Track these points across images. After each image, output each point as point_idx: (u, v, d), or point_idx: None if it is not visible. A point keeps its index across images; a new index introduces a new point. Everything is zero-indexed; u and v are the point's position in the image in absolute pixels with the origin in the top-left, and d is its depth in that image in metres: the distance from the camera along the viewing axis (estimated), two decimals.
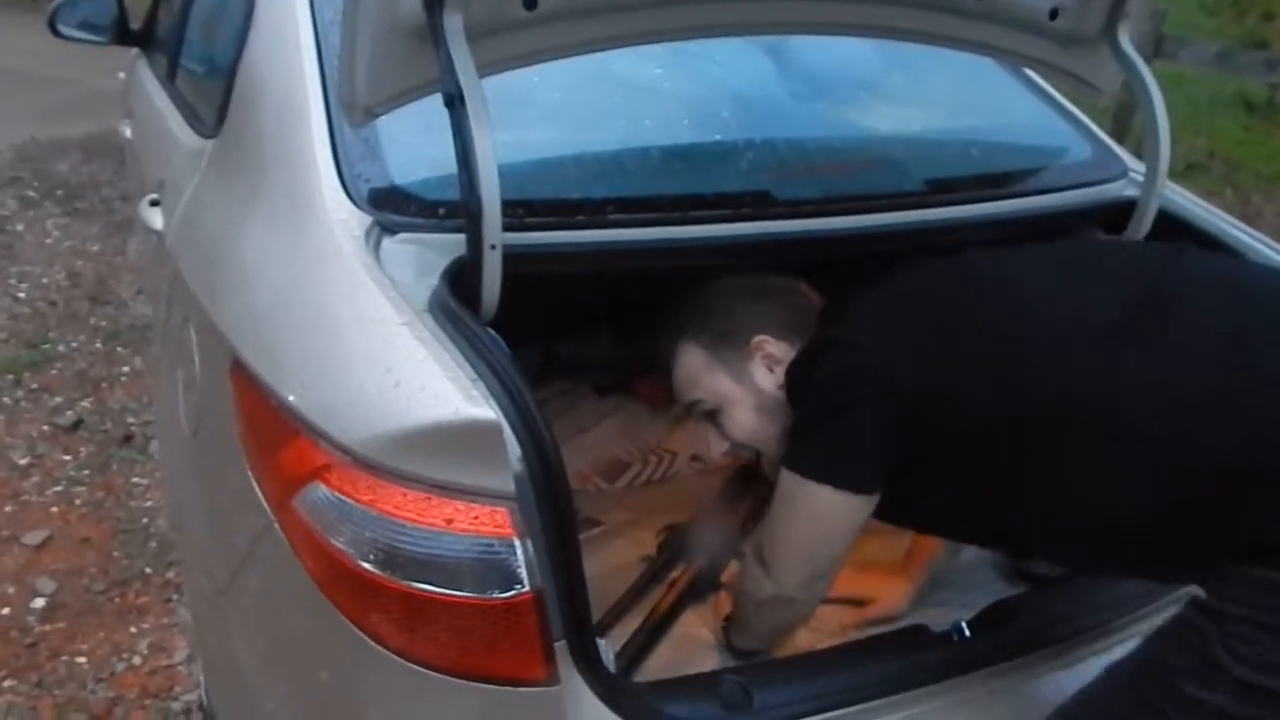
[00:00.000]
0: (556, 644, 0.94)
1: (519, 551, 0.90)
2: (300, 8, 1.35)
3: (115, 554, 2.26)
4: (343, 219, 1.11)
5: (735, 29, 1.33)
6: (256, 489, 1.05)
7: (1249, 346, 0.99)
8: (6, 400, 2.81)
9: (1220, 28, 7.34)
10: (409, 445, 0.89)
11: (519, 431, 0.93)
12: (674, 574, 1.53)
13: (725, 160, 1.38)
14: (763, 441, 1.27)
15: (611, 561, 1.57)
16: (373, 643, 0.95)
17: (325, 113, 1.22)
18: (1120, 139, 1.77)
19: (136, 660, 1.98)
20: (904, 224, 1.35)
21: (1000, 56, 1.52)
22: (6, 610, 2.08)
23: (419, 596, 0.91)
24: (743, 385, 1.25)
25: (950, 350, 1.08)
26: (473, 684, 0.95)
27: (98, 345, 3.12)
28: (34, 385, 2.88)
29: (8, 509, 2.38)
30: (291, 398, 0.98)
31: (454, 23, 1.03)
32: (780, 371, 1.22)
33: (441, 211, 1.15)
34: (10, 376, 2.90)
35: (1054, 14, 1.38)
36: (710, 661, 1.34)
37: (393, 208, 1.15)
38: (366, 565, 0.91)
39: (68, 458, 2.57)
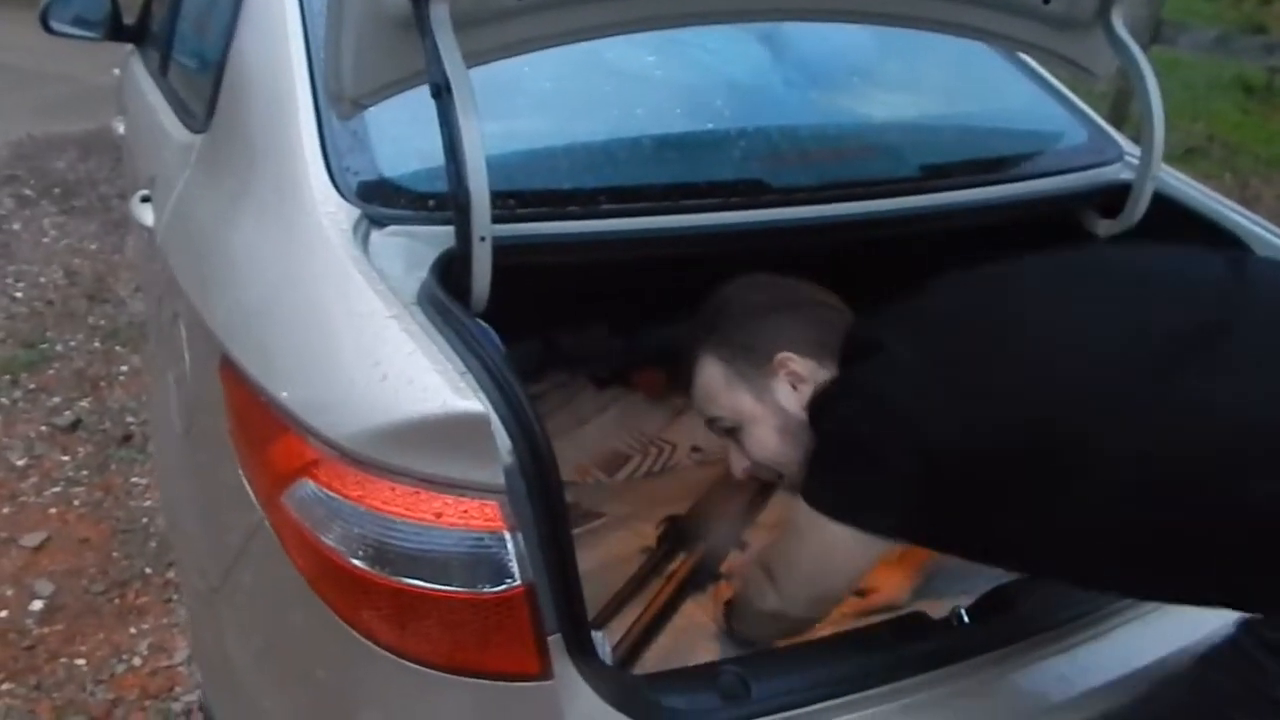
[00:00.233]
0: (551, 638, 0.94)
1: (509, 545, 0.89)
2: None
3: (114, 554, 2.25)
4: (330, 212, 1.10)
5: (727, 16, 1.33)
6: (247, 486, 1.05)
7: None
8: (4, 401, 2.80)
9: (1218, 12, 7.30)
10: (397, 439, 0.88)
11: (509, 424, 0.92)
12: (673, 565, 1.52)
13: (718, 148, 1.37)
14: (784, 464, 1.21)
15: (612, 554, 1.56)
16: (365, 640, 0.94)
17: (313, 105, 1.21)
18: (1119, 125, 1.75)
19: (136, 661, 1.98)
20: (899, 210, 1.34)
21: (994, 41, 1.51)
22: (4, 613, 2.07)
23: (409, 592, 0.90)
24: (764, 404, 1.18)
25: (985, 390, 1.00)
26: (466, 680, 0.94)
27: (96, 344, 3.11)
28: (31, 385, 2.87)
29: (5, 510, 2.37)
30: (280, 393, 0.97)
31: (440, 12, 1.02)
32: (806, 391, 1.16)
33: (431, 203, 1.14)
34: (7, 377, 2.89)
35: None
36: (710, 652, 1.33)
37: (381, 200, 1.14)
38: (356, 562, 0.91)
39: (66, 458, 2.56)
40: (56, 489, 2.45)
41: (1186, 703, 1.00)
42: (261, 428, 1.00)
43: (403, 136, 1.21)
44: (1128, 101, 4.11)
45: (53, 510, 2.38)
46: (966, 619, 1.16)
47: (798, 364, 1.16)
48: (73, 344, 3.11)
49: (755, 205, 1.27)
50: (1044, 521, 1.00)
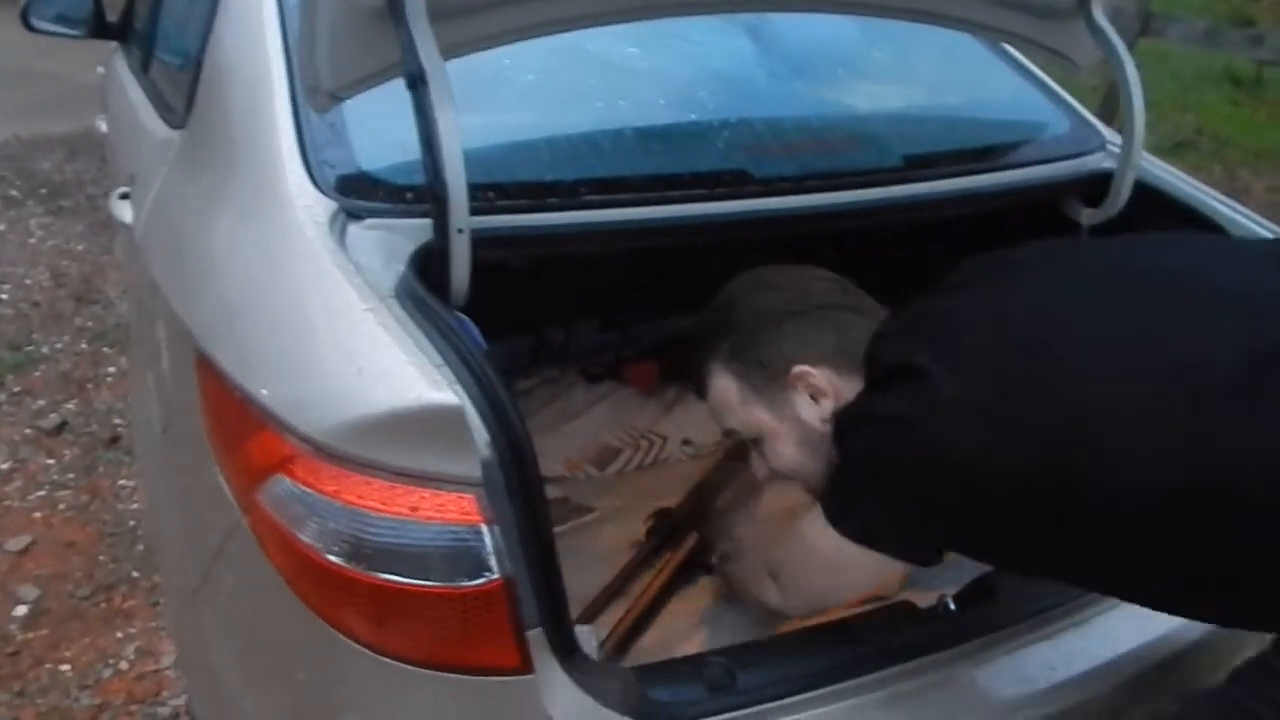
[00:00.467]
0: (532, 632, 0.93)
1: (487, 538, 0.88)
2: None
3: (101, 558, 2.23)
4: (307, 205, 1.09)
5: (706, 8, 1.32)
6: (224, 485, 1.04)
7: None
8: None
9: (1207, 5, 7.34)
10: (372, 433, 0.87)
11: (487, 417, 0.91)
12: (663, 559, 1.52)
13: (701, 139, 1.36)
14: (804, 474, 1.15)
15: (603, 548, 1.56)
16: (344, 638, 0.94)
17: (290, 99, 1.20)
18: (1109, 120, 1.75)
19: (123, 666, 1.96)
20: (882, 199, 1.33)
21: (976, 31, 1.51)
22: None
23: (387, 588, 0.89)
24: (783, 419, 1.12)
25: (1034, 426, 0.93)
26: (447, 675, 0.93)
27: (83, 346, 3.09)
28: (17, 388, 2.85)
29: None
30: (255, 389, 0.96)
31: (415, 2, 1.01)
32: (827, 403, 1.09)
33: (409, 196, 1.13)
34: None
35: None
36: (701, 644, 1.33)
37: (359, 193, 1.13)
38: (333, 558, 0.90)
39: (51, 461, 2.54)
40: (42, 492, 2.43)
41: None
42: (236, 424, 0.99)
43: (381, 130, 1.20)
44: (1119, 96, 4.11)
45: (38, 514, 2.36)
46: (953, 607, 1.15)
47: (816, 377, 1.09)
48: (59, 346, 3.09)
49: (739, 196, 1.26)
50: (1092, 553, 0.94)
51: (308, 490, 0.90)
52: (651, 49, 1.47)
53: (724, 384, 1.14)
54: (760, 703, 1.02)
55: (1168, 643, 1.21)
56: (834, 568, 1.08)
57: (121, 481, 2.46)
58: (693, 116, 1.40)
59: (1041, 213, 1.54)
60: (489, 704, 0.95)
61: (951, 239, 1.20)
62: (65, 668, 1.94)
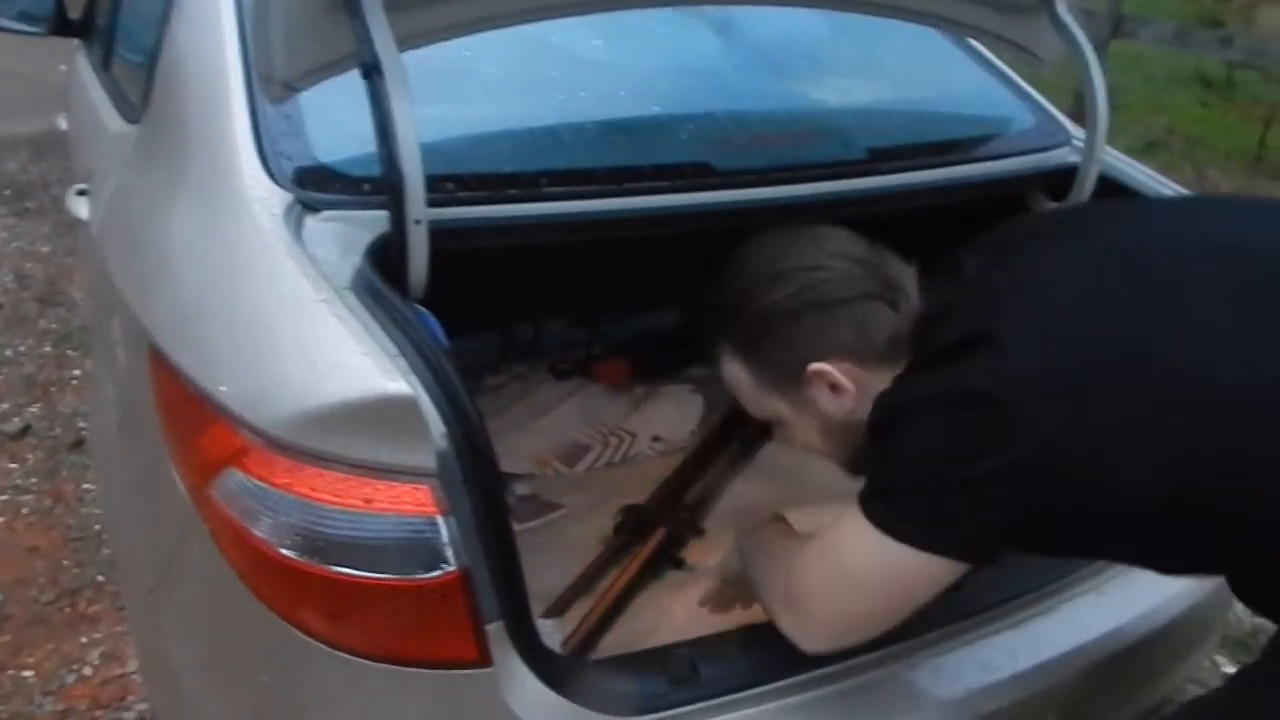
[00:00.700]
0: (492, 625, 0.92)
1: (443, 530, 0.87)
2: None
3: (65, 563, 2.19)
4: (262, 197, 1.08)
5: (670, 0, 1.32)
6: (178, 480, 1.02)
7: None
8: None
9: (1179, 7, 7.42)
10: (324, 424, 0.86)
11: (443, 407, 0.90)
12: (631, 554, 1.51)
13: (665, 131, 1.36)
14: (831, 456, 1.09)
15: (571, 545, 1.55)
16: (301, 634, 0.92)
17: (246, 91, 1.19)
18: (1081, 119, 1.76)
19: (87, 671, 1.92)
20: (846, 191, 1.33)
21: (941, 26, 1.51)
22: None
23: (342, 581, 0.88)
24: (802, 411, 1.03)
25: (1135, 398, 0.83)
26: (407, 669, 0.93)
27: (47, 348, 3.04)
28: None
29: None
30: (206, 381, 0.94)
31: None
32: (848, 399, 0.98)
33: (366, 187, 1.12)
34: None
35: None
36: (667, 638, 1.31)
37: (316, 185, 1.12)
38: (287, 552, 0.89)
39: (14, 465, 2.50)
40: (4, 497, 2.38)
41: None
42: (188, 417, 0.98)
43: (339, 121, 1.18)
44: None
45: (0, 519, 2.32)
46: None
47: (838, 374, 0.98)
48: (23, 349, 3.04)
49: (702, 188, 1.25)
50: (1248, 554, 0.88)
51: (260, 484, 0.89)
52: (615, 41, 1.46)
53: (736, 372, 1.05)
54: (723, 694, 1.02)
55: (1131, 631, 1.22)
56: (883, 580, 0.93)
57: (86, 486, 2.42)
58: (656, 109, 1.40)
59: (1006, 206, 1.55)
60: (449, 698, 0.94)
61: (915, 232, 1.20)
62: (28, 674, 1.91)
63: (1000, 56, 1.74)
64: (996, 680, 1.10)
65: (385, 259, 1.04)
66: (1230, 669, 2.01)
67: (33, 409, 2.72)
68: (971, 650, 1.11)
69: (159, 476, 1.07)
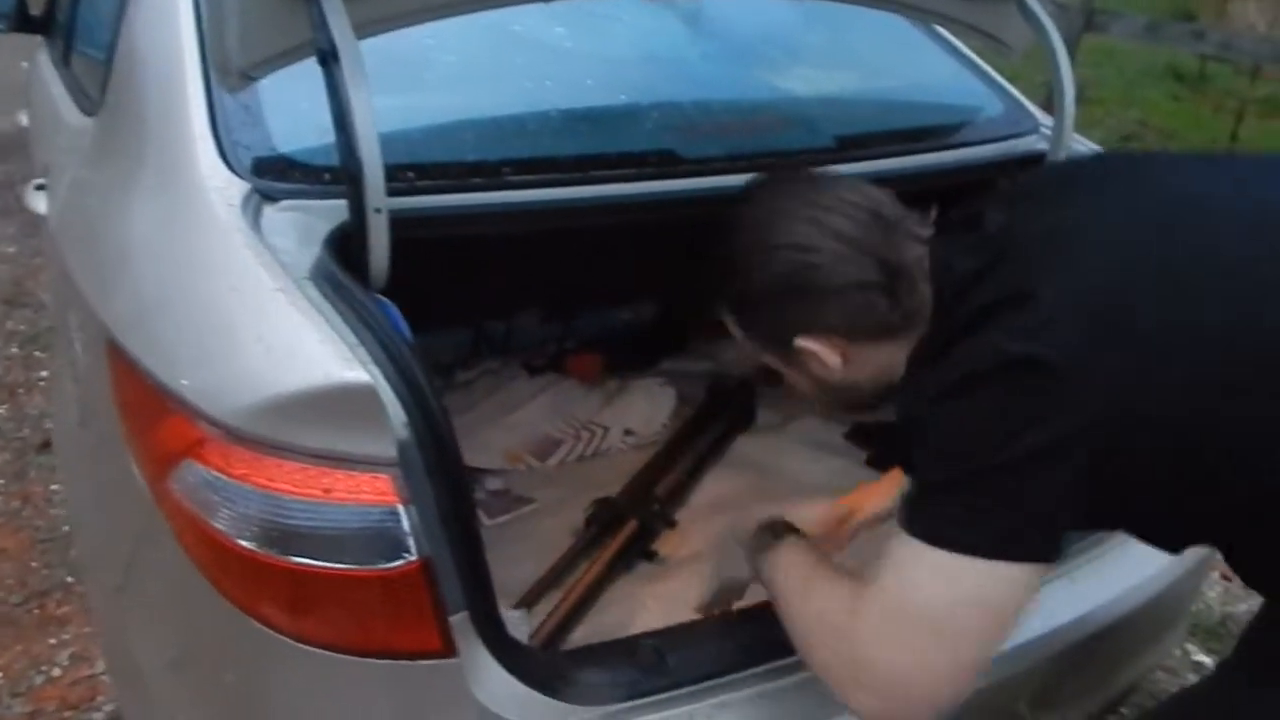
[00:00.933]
0: (456, 615, 0.91)
1: (404, 519, 0.86)
2: None
3: (34, 564, 2.16)
4: (219, 187, 1.06)
5: None
6: (138, 475, 1.00)
7: None
8: None
9: (1151, 1, 7.48)
10: (282, 414, 0.85)
11: (404, 397, 0.89)
12: (602, 546, 1.50)
13: (629, 119, 1.35)
14: (826, 407, 1.08)
15: (544, 539, 1.54)
16: (263, 628, 0.91)
17: (204, 80, 1.17)
18: (1053, 110, 1.76)
19: (56, 672, 1.90)
20: None
21: (910, 14, 1.51)
22: None
23: (303, 572, 0.87)
24: (794, 369, 1.02)
25: (1155, 354, 0.79)
26: (371, 661, 0.92)
27: (14, 350, 3.00)
28: None
29: None
30: (162, 372, 0.93)
31: None
32: (837, 369, 0.95)
33: (326, 177, 1.11)
34: None
35: None
36: (638, 629, 1.31)
37: (274, 175, 1.11)
38: (246, 543, 0.87)
39: None
40: None
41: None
42: (146, 410, 0.96)
43: (299, 110, 1.17)
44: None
45: None
46: None
47: (825, 351, 0.95)
48: None
49: (667, 176, 1.25)
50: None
51: (218, 475, 0.88)
52: (579, 29, 1.46)
53: (731, 326, 1.03)
54: (690, 683, 1.02)
55: (1102, 616, 1.23)
56: (964, 624, 0.80)
57: (54, 487, 2.39)
58: (621, 97, 1.39)
59: (975, 193, 1.55)
60: (416, 689, 0.94)
61: None
62: None
63: (969, 45, 1.74)
64: None
65: (346, 249, 1.02)
66: (1201, 657, 2.03)
67: (0, 410, 2.69)
68: None
69: (119, 472, 1.05)
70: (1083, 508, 0.81)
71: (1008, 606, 0.81)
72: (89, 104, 1.51)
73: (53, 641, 1.97)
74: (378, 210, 0.99)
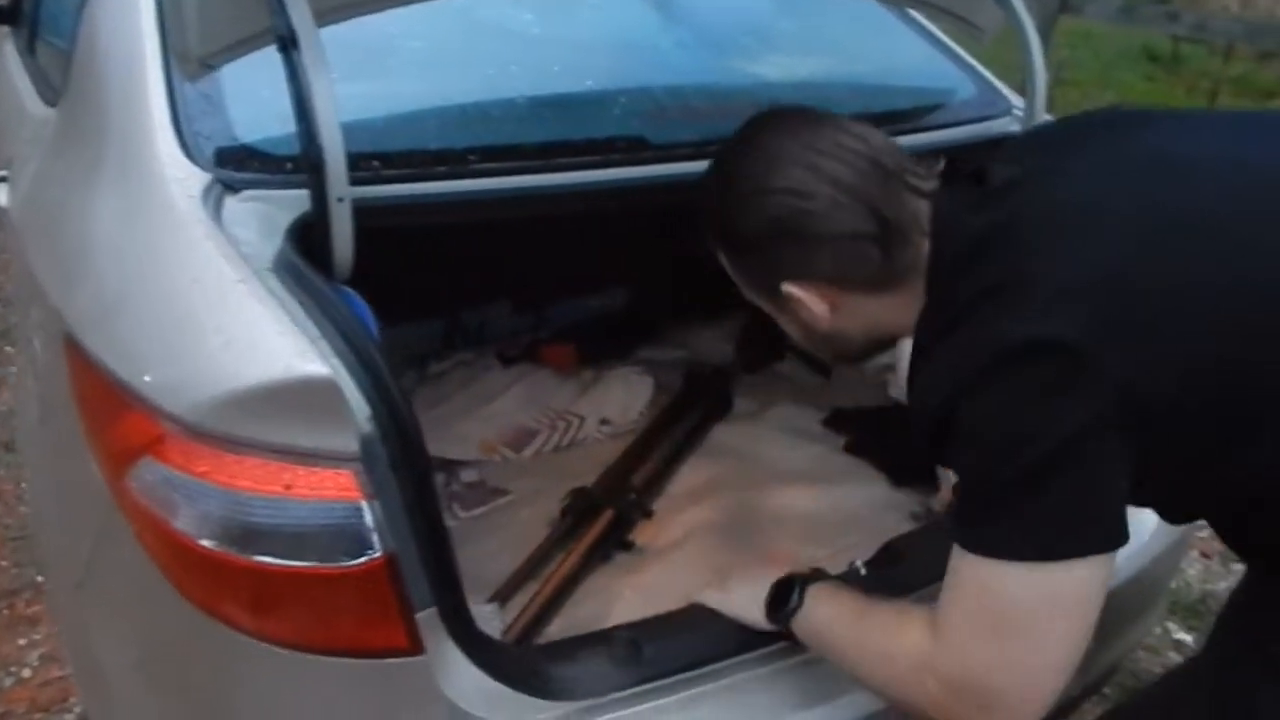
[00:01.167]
0: (424, 612, 0.90)
1: (367, 515, 0.85)
2: None
3: (3, 563, 2.13)
4: (179, 178, 1.04)
5: None
6: (97, 472, 0.98)
7: None
8: None
9: None
10: (242, 409, 0.83)
11: (367, 390, 0.87)
12: (578, 537, 1.49)
13: (597, 106, 1.34)
14: (816, 354, 1.07)
15: (519, 530, 1.52)
16: (226, 628, 0.89)
17: (164, 70, 1.15)
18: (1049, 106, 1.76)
19: (26, 673, 1.88)
20: None
21: None
22: None
23: (265, 571, 0.85)
24: (784, 313, 0.99)
25: (1165, 324, 0.78)
26: (337, 659, 0.90)
27: None
28: None
29: None
30: (118, 366, 0.91)
31: None
32: (825, 318, 0.94)
33: (289, 166, 1.08)
34: None
35: None
36: (615, 621, 1.30)
37: (235, 165, 1.08)
38: (207, 542, 0.86)
39: None
40: None
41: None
42: (103, 406, 0.94)
43: (261, 99, 1.15)
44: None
45: None
46: (863, 571, 1.15)
47: (813, 298, 0.93)
48: None
49: (635, 162, 1.23)
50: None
51: (177, 472, 0.86)
52: (546, 16, 1.44)
53: (724, 264, 1.01)
54: (667, 675, 1.01)
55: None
56: (1049, 605, 0.80)
57: (23, 485, 2.35)
58: (589, 83, 1.37)
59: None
60: (384, 687, 0.92)
61: None
62: None
63: (941, 27, 1.74)
64: None
65: (309, 239, 1.01)
66: (1181, 635, 2.05)
67: None
68: None
69: (78, 470, 1.03)
70: (1128, 482, 0.79)
71: (1088, 600, 0.80)
72: (51, 94, 1.48)
73: (22, 642, 1.94)
74: (340, 199, 0.97)
